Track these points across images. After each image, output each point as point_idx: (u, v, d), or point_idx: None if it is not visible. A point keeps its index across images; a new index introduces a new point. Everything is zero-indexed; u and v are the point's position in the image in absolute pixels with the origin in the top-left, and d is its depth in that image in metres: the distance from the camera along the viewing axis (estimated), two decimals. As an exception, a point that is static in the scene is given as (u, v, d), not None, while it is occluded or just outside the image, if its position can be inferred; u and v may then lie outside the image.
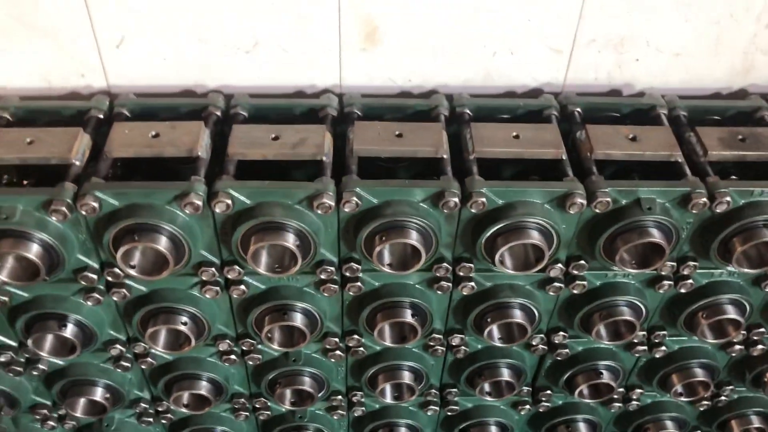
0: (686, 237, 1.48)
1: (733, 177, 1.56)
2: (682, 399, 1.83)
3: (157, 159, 1.45)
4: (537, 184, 1.40)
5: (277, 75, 1.61)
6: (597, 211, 1.39)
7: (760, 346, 1.74)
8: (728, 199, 1.39)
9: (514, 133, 1.46)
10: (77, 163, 1.39)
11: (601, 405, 1.94)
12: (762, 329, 1.70)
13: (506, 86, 1.66)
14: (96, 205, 1.31)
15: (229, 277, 1.48)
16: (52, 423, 1.82)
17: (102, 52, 1.55)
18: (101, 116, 1.50)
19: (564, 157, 1.44)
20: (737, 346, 1.74)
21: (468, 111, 1.54)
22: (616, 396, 1.89)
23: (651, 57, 1.63)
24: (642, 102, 1.59)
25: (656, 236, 1.40)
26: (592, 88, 1.67)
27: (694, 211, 1.39)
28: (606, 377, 1.75)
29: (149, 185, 1.35)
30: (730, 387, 1.90)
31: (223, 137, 1.45)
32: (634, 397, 1.90)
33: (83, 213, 1.32)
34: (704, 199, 1.38)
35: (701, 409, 1.96)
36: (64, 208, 1.31)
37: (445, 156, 1.43)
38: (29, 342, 1.52)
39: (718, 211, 1.40)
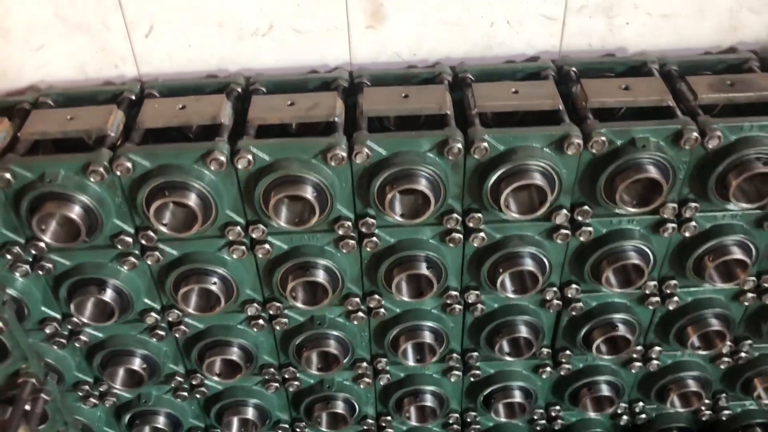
0: (684, 177, 1.55)
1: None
2: (700, 352, 1.86)
3: (184, 134, 1.60)
4: (535, 129, 1.49)
5: (291, 56, 1.74)
6: (594, 151, 1.47)
7: (774, 295, 1.79)
8: (719, 134, 1.46)
9: (513, 89, 1.56)
10: (112, 134, 1.52)
11: (622, 367, 1.98)
12: (773, 276, 1.76)
13: (505, 56, 1.76)
14: (129, 165, 1.44)
15: (254, 236, 1.59)
16: (93, 400, 1.92)
17: (133, 42, 1.70)
18: (133, 97, 1.64)
19: (561, 108, 1.53)
20: (749, 294, 1.78)
21: (470, 76, 1.65)
22: (635, 355, 1.93)
23: (640, 20, 1.72)
24: (634, 59, 1.69)
25: (653, 172, 1.47)
26: (587, 54, 1.77)
27: (686, 147, 1.47)
28: (622, 330, 1.79)
29: (178, 146, 1.48)
30: (749, 342, 1.93)
31: (244, 113, 1.58)
32: (653, 355, 1.93)
33: (118, 174, 1.45)
34: (695, 134, 1.45)
35: (722, 367, 1.98)
36: (101, 170, 1.44)
37: (448, 112, 1.53)
38: (71, 307, 1.63)
39: (710, 146, 1.47)
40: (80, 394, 1.91)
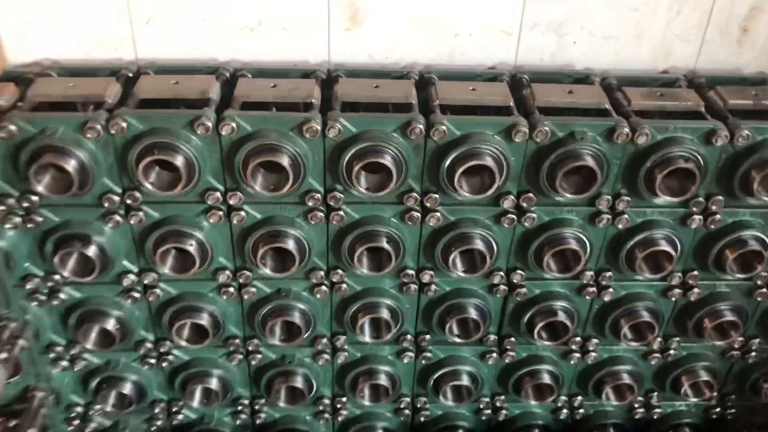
0: (618, 173, 1.75)
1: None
2: (632, 344, 2.03)
3: (174, 107, 1.77)
4: (488, 117, 1.69)
5: (276, 51, 1.93)
6: (538, 140, 1.67)
7: (696, 290, 1.98)
8: (647, 132, 1.68)
9: (471, 88, 1.78)
10: (109, 101, 1.69)
11: (562, 358, 2.14)
12: (695, 272, 1.95)
13: (467, 65, 1.98)
14: (124, 125, 1.60)
15: (231, 203, 1.74)
16: (64, 363, 2.01)
17: (134, 28, 1.89)
18: (130, 75, 1.81)
19: (511, 104, 1.74)
20: (676, 290, 1.97)
21: (434, 76, 1.86)
22: (574, 347, 2.09)
23: (585, 40, 1.95)
24: (579, 72, 1.91)
25: (589, 161, 1.68)
26: (539, 68, 2.01)
27: (619, 142, 1.67)
28: (561, 317, 1.96)
29: (169, 111, 1.65)
30: (677, 339, 2.11)
31: (230, 94, 1.75)
32: (591, 348, 2.09)
33: (113, 132, 1.61)
34: (627, 130, 1.66)
35: (653, 363, 2.14)
36: (98, 127, 1.60)
37: (413, 101, 1.73)
38: (55, 260, 1.76)
39: (639, 142, 1.69)
40: (52, 356, 2.00)
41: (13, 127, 1.59)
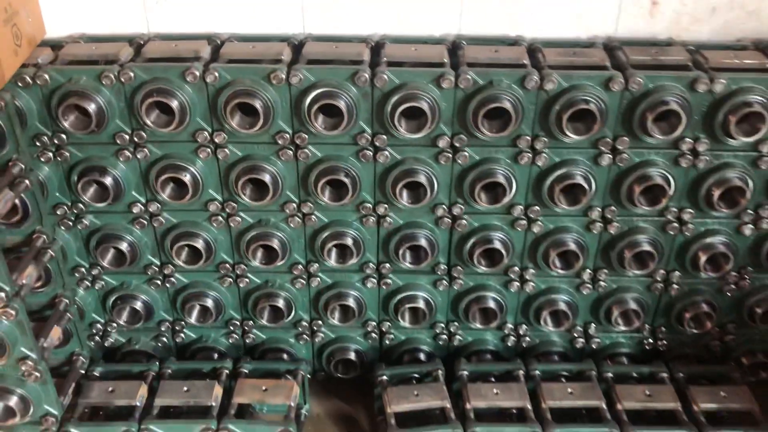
0: (535, 117, 2.10)
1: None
2: (561, 272, 2.36)
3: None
4: (421, 69, 2.07)
5: (259, 25, 2.35)
6: (462, 87, 2.04)
7: (615, 224, 2.29)
8: (555, 78, 2.02)
9: (414, 48, 2.16)
10: (122, 59, 2.12)
11: (504, 287, 2.47)
12: (612, 208, 2.27)
13: (416, 34, 2.34)
14: (132, 75, 2.04)
15: (216, 141, 2.16)
16: (87, 283, 2.45)
17: (146, 7, 2.33)
18: (141, 42, 2.25)
19: (445, 60, 2.11)
20: (597, 223, 2.29)
21: (386, 41, 2.24)
22: (513, 276, 2.43)
23: (527, 17, 2.28)
24: (510, 38, 2.26)
25: (505, 104, 2.03)
26: (479, 36, 2.34)
27: (528, 88, 2.03)
28: (497, 245, 2.30)
29: (166, 64, 2.07)
30: (605, 271, 2.42)
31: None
32: (528, 277, 2.43)
33: (123, 80, 2.04)
34: (536, 78, 2.02)
35: (585, 293, 2.45)
36: (112, 76, 2.03)
37: (365, 58, 2.12)
38: (79, 187, 2.19)
39: (547, 88, 2.03)
40: (77, 276, 2.44)
41: (46, 76, 2.04)
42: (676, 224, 2.30)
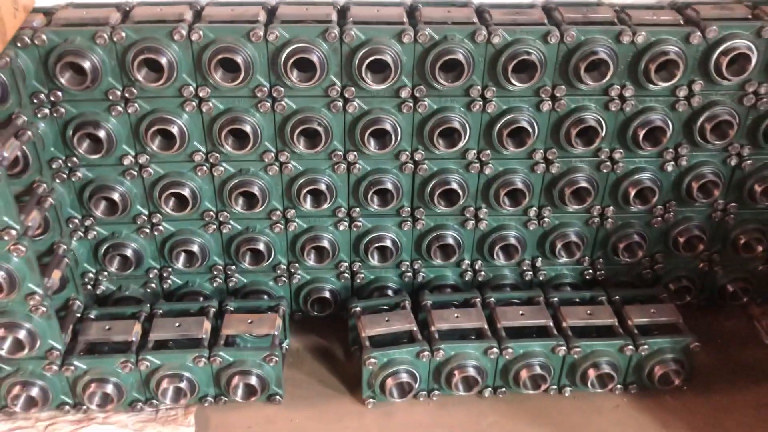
0: (485, 68, 2.40)
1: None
2: (509, 209, 2.67)
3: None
4: (384, 26, 2.33)
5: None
6: (420, 41, 2.32)
7: (556, 164, 2.61)
8: (500, 33, 2.32)
9: (376, 10, 2.43)
10: (113, 21, 2.33)
11: (461, 226, 2.76)
12: (554, 150, 2.58)
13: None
14: (123, 35, 2.25)
15: (201, 95, 2.39)
16: (79, 233, 2.65)
17: (129, -24, 2.54)
18: (127, 9, 2.46)
19: (404, 19, 2.38)
20: (540, 165, 2.60)
21: (351, 5, 2.50)
22: (468, 215, 2.72)
23: (470, -22, 2.61)
24: (461, 1, 2.55)
25: (459, 56, 2.32)
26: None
27: (478, 42, 2.32)
28: (454, 186, 2.59)
29: (155, 24, 2.29)
30: (549, 208, 2.74)
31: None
32: (482, 216, 2.73)
33: (115, 40, 2.25)
34: (484, 33, 2.31)
35: (531, 228, 2.77)
36: (105, 35, 2.24)
37: (333, 18, 2.38)
38: (74, 141, 2.39)
39: (494, 42, 2.33)
40: (71, 226, 2.64)
41: (44, 37, 2.24)
42: (608, 163, 2.63)
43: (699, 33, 2.37)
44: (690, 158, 2.64)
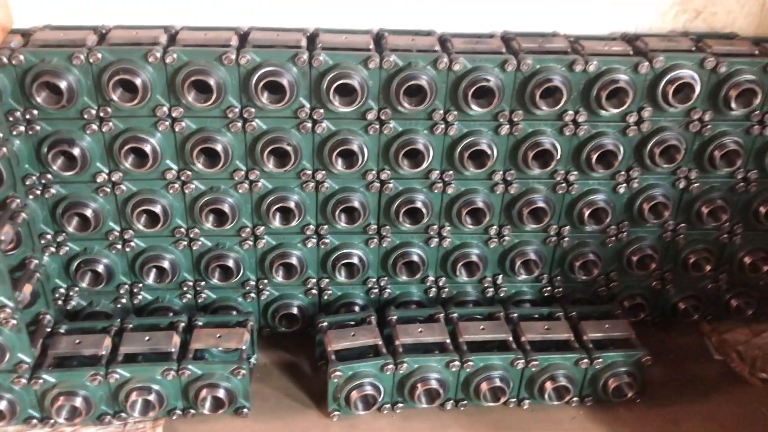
0: (446, 94, 2.52)
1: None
2: (471, 227, 2.79)
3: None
4: (352, 53, 2.45)
5: (208, 18, 2.68)
6: (385, 68, 2.44)
7: (515, 185, 2.74)
8: (461, 61, 2.45)
9: (344, 37, 2.55)
10: (89, 43, 2.41)
11: (425, 243, 2.87)
12: (512, 171, 2.71)
13: (345, 28, 2.76)
14: (99, 56, 2.34)
15: (174, 116, 2.48)
16: (52, 249, 2.70)
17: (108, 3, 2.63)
18: (104, 32, 2.54)
19: (371, 46, 2.51)
20: (500, 185, 2.72)
21: (320, 32, 2.62)
22: (432, 233, 2.83)
23: (440, 15, 2.74)
24: (424, 30, 2.69)
25: (422, 81, 2.44)
26: (397, 29, 2.77)
27: (440, 68, 2.45)
28: (419, 205, 2.70)
29: (130, 47, 2.38)
30: (508, 227, 2.86)
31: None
32: (445, 234, 2.84)
33: (91, 61, 2.34)
34: (446, 60, 2.44)
35: (492, 246, 2.89)
36: (82, 57, 2.33)
37: (303, 44, 2.49)
38: (48, 158, 2.46)
39: (455, 69, 2.46)
40: (43, 242, 2.68)
41: (22, 57, 2.32)
42: (563, 184, 2.77)
43: (647, 63, 2.53)
44: (641, 181, 2.79)
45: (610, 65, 2.53)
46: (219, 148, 2.52)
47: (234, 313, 2.92)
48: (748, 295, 3.16)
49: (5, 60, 2.32)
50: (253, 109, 2.50)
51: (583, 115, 2.60)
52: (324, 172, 2.66)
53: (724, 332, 3.17)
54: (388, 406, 2.73)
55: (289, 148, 2.55)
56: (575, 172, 2.74)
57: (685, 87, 2.59)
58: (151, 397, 2.55)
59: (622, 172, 2.76)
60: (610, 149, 2.66)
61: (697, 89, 2.58)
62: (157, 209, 2.64)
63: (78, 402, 2.52)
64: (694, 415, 2.81)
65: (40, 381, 2.49)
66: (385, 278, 2.97)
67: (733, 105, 2.62)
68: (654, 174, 2.79)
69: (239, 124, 2.52)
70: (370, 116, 2.54)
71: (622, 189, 2.79)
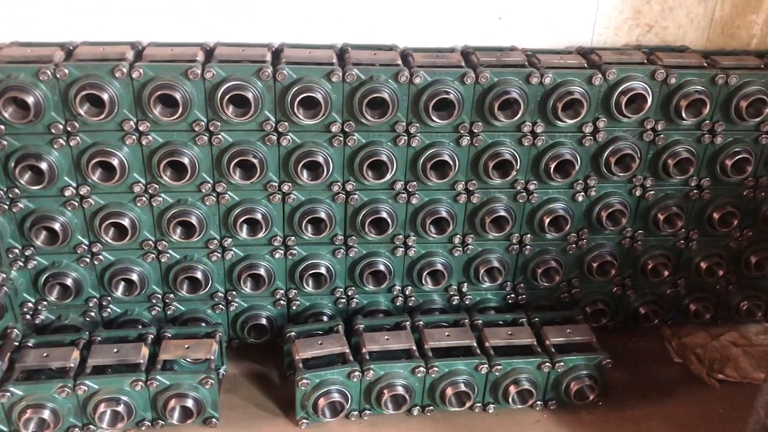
0: (408, 106, 2.60)
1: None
2: (435, 236, 2.85)
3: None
4: (315, 66, 2.52)
5: (174, 34, 2.74)
6: (348, 81, 2.51)
7: (477, 195, 2.82)
8: (422, 74, 2.53)
9: (308, 52, 2.61)
10: (56, 59, 2.46)
11: (392, 253, 2.93)
12: (474, 182, 2.79)
13: (310, 42, 2.83)
14: (66, 71, 2.38)
15: (141, 129, 2.52)
16: (20, 263, 2.71)
17: (71, 19, 2.67)
18: (71, 48, 2.59)
19: (334, 60, 2.58)
20: (462, 195, 2.80)
21: (285, 47, 2.69)
22: (398, 242, 2.89)
23: (403, 30, 2.83)
24: (387, 45, 2.77)
25: (384, 94, 2.52)
26: (360, 44, 2.86)
27: (401, 82, 2.53)
28: (384, 215, 2.77)
29: (97, 62, 2.42)
30: (472, 236, 2.93)
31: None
32: (411, 243, 2.90)
33: (58, 76, 2.38)
34: (407, 74, 2.52)
35: (456, 255, 2.95)
36: (49, 72, 2.37)
37: (268, 59, 2.56)
38: (16, 172, 2.48)
39: (416, 82, 2.54)
40: (11, 256, 2.70)
41: (-13, 74, 2.36)
42: (524, 193, 2.85)
43: (600, 75, 2.63)
44: (598, 189, 2.89)
45: (565, 77, 2.63)
46: (186, 161, 2.57)
47: (203, 324, 2.96)
48: (706, 300, 3.27)
49: (-28, 76, 2.37)
50: (219, 123, 2.55)
51: (540, 126, 2.70)
52: (290, 183, 2.72)
53: (684, 336, 3.27)
54: (355, 413, 2.77)
55: (255, 161, 2.60)
56: (535, 182, 2.83)
57: (637, 98, 2.70)
58: (120, 408, 2.57)
59: (580, 181, 2.86)
60: (568, 159, 2.76)
61: (650, 100, 2.69)
62: (126, 222, 2.67)
63: (46, 414, 2.53)
64: (655, 416, 2.88)
65: (8, 394, 2.50)
66: (353, 288, 3.02)
67: (684, 115, 2.73)
68: (611, 182, 2.89)
69: (205, 138, 2.57)
70: (335, 128, 2.61)
71: (580, 197, 2.89)
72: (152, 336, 2.77)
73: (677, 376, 3.11)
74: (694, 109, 2.75)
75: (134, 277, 2.81)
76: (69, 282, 2.78)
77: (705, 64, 2.78)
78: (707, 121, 2.79)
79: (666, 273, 3.13)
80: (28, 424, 2.56)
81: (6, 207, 2.60)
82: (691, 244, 3.10)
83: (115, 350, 2.65)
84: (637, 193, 2.93)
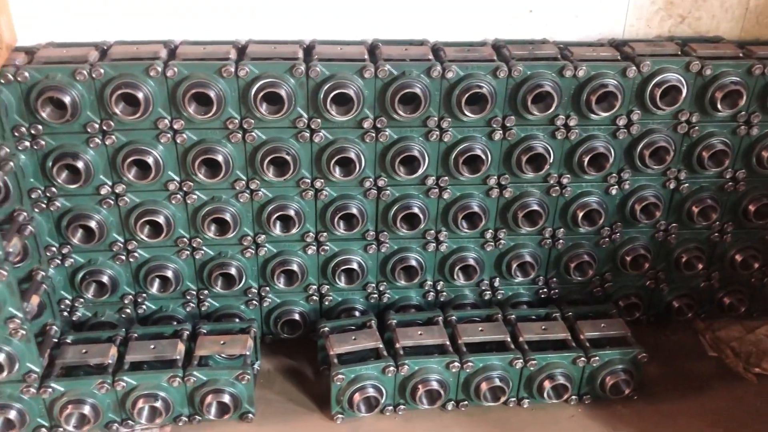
0: (440, 100, 2.59)
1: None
2: (468, 231, 2.85)
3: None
4: (347, 62, 2.52)
5: (207, 33, 2.75)
6: (380, 76, 2.51)
7: (509, 189, 2.81)
8: (454, 69, 2.52)
9: (340, 48, 2.62)
10: (91, 59, 2.48)
11: (423, 249, 2.92)
12: (506, 175, 2.78)
13: (339, 39, 2.83)
14: (102, 71, 2.41)
15: (176, 127, 2.54)
16: (57, 261, 2.75)
17: (106, 20, 2.69)
18: (105, 48, 2.61)
19: (366, 56, 2.58)
20: (495, 190, 2.79)
21: (316, 44, 2.69)
22: (429, 238, 2.89)
23: (434, 28, 2.82)
24: (417, 40, 2.76)
25: (416, 89, 2.51)
26: (392, 40, 2.85)
27: (433, 77, 2.52)
28: (416, 211, 2.77)
29: (132, 62, 2.45)
30: (504, 230, 2.92)
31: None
32: (442, 238, 2.90)
33: (94, 76, 2.40)
34: (439, 68, 2.51)
35: (488, 249, 2.95)
36: (85, 72, 2.39)
37: (300, 56, 2.56)
38: (54, 172, 2.51)
39: (448, 77, 2.53)
40: (48, 254, 2.74)
41: (27, 74, 2.38)
42: (557, 187, 2.83)
43: (634, 67, 2.61)
44: (632, 182, 2.86)
45: (598, 70, 2.60)
46: (220, 158, 2.59)
47: (237, 320, 2.98)
48: (741, 293, 3.24)
49: (11, 77, 2.39)
50: (252, 120, 2.56)
51: (574, 119, 2.68)
52: (322, 180, 2.73)
53: (718, 329, 3.24)
54: (390, 407, 2.78)
55: (288, 158, 2.62)
56: (568, 175, 2.81)
57: (672, 90, 2.67)
58: (158, 404, 2.60)
59: (614, 174, 2.84)
60: (602, 152, 2.74)
61: (684, 92, 2.66)
62: (160, 220, 2.70)
63: (86, 410, 2.57)
64: (690, 411, 2.86)
65: (49, 390, 2.54)
66: (384, 283, 3.02)
67: (719, 106, 2.70)
68: (645, 175, 2.87)
69: (239, 135, 2.58)
70: (367, 125, 2.61)
71: (614, 191, 2.86)
72: (188, 332, 2.80)
73: (712, 370, 3.08)
74: (729, 100, 2.72)
75: (169, 273, 2.84)
76: (105, 279, 2.81)
77: (741, 55, 2.75)
78: (743, 113, 2.76)
79: (700, 266, 3.10)
80: (69, 420, 2.61)
81: (44, 206, 2.64)
82: (725, 237, 3.07)
83: (152, 346, 2.69)
84: (672, 186, 2.90)
